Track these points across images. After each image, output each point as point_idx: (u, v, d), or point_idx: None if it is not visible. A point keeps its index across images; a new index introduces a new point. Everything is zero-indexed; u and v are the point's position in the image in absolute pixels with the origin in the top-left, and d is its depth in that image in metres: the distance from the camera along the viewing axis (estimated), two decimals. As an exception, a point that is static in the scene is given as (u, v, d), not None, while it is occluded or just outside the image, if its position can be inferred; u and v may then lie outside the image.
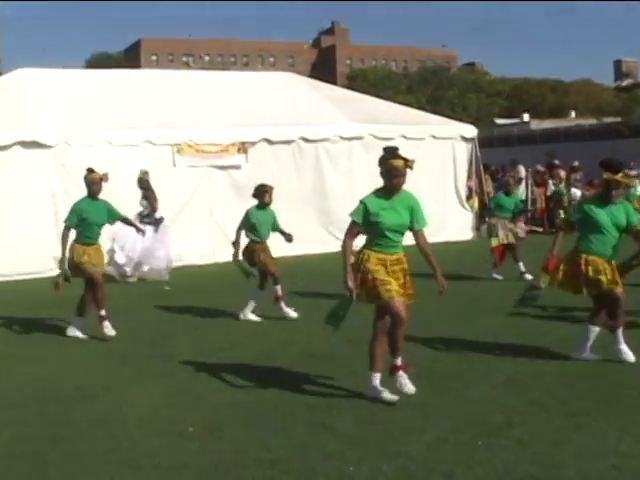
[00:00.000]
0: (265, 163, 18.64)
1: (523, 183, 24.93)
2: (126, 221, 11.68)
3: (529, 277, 13.57)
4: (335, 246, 17.08)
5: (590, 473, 5.48)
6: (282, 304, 11.45)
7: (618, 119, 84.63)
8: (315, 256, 17.37)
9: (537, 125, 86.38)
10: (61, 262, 10.47)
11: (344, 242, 7.27)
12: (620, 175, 8.49)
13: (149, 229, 15.16)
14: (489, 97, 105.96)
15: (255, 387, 7.86)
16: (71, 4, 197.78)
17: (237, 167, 18.52)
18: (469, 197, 22.21)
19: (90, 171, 10.79)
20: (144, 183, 16.02)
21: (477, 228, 21.49)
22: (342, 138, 19.53)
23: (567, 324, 10.25)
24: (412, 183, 17.38)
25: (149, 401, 7.52)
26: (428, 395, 7.35)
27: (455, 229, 20.97)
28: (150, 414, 7.11)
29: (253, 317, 11.37)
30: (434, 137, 20.73)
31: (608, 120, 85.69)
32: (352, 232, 7.31)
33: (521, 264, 14.53)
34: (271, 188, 11.56)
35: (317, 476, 5.56)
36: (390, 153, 7.34)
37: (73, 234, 10.53)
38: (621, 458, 5.72)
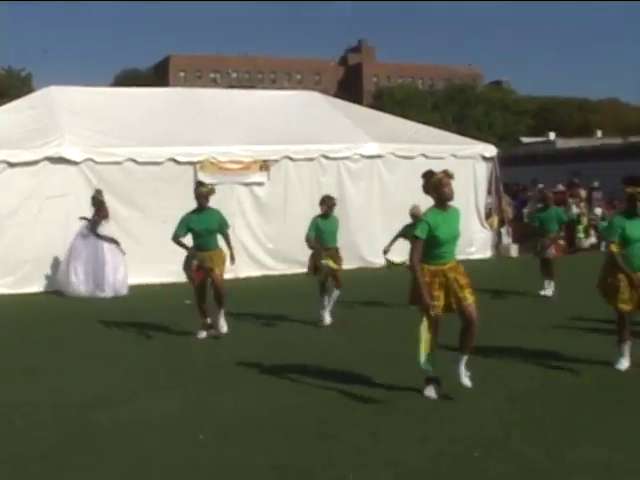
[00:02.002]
0: (287, 180, 19.01)
1: (543, 203, 25.06)
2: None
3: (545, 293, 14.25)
4: (353, 262, 17.48)
5: (578, 484, 5.73)
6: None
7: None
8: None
9: (563, 144, 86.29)
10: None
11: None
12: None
13: (107, 245, 15.81)
14: (515, 115, 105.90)
15: (267, 397, 8.15)
16: (102, 20, 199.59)
17: (259, 184, 18.86)
18: (488, 216, 22.43)
19: (199, 184, 11.95)
20: (96, 202, 16.43)
21: (496, 246, 21.73)
22: (363, 156, 19.83)
23: (576, 339, 10.49)
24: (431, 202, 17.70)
25: (163, 410, 7.83)
26: (431, 407, 7.65)
27: (476, 247, 21.18)
28: (163, 422, 7.41)
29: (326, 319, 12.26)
30: (455, 156, 20.95)
31: (635, 139, 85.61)
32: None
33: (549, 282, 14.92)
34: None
35: (317, 481, 5.85)
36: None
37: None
38: (611, 473, 5.96)
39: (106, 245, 16.20)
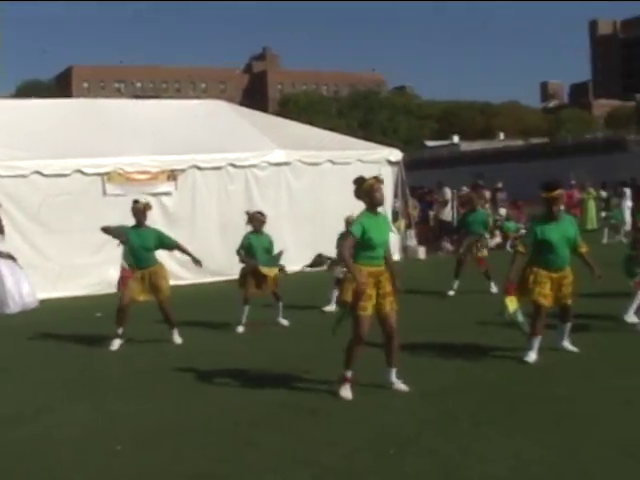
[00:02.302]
0: (195, 190, 18.97)
1: (449, 205, 25.52)
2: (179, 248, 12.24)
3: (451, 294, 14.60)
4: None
5: (491, 475, 5.92)
6: None
7: (545, 140, 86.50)
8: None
9: (467, 147, 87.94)
10: None
11: None
12: (557, 192, 9.36)
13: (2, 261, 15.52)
14: (419, 120, 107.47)
15: (182, 407, 8.16)
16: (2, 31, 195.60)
17: (167, 194, 18.77)
18: (395, 219, 22.74)
19: (135, 202, 11.80)
20: None
21: (404, 249, 22.04)
22: (270, 164, 19.89)
23: (487, 336, 10.75)
24: (341, 207, 17.90)
25: (80, 422, 7.77)
26: (345, 408, 7.78)
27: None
28: (80, 434, 7.36)
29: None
30: (361, 161, 21.17)
31: (535, 141, 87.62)
32: None
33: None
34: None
35: (237, 486, 5.91)
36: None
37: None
38: (521, 462, 6.17)
39: (1, 260, 15.75)
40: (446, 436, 6.82)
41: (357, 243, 8.04)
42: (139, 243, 11.48)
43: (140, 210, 11.63)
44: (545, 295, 9.29)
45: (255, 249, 12.46)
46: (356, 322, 8.03)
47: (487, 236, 16.64)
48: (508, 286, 9.40)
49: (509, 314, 9.43)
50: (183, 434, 7.24)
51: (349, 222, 12.92)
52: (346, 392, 8.10)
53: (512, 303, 9.40)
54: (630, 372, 8.81)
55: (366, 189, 8.12)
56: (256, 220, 12.64)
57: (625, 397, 7.83)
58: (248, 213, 12.91)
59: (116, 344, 11.42)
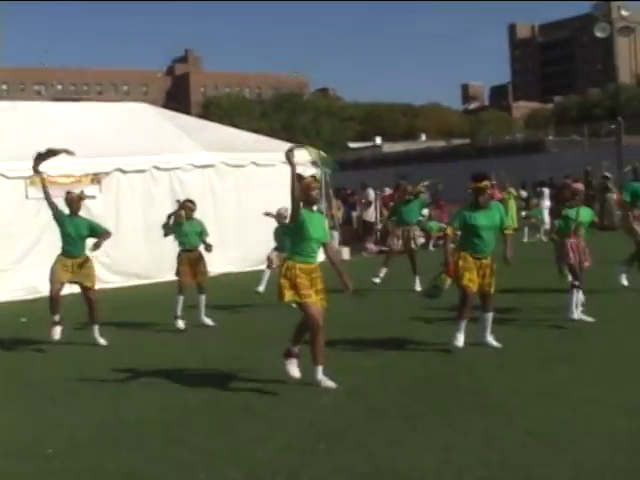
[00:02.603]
0: (119, 193, 18.87)
1: (372, 205, 25.79)
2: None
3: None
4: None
5: (419, 466, 6.09)
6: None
7: (466, 141, 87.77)
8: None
9: (389, 148, 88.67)
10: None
11: None
12: (483, 183, 9.85)
13: None
14: (342, 122, 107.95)
15: (112, 409, 8.18)
16: None
17: (91, 197, 18.62)
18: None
19: (67, 192, 12.12)
20: None
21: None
22: (195, 166, 19.90)
23: (413, 332, 10.96)
24: (265, 207, 17.96)
25: (9, 427, 7.74)
26: (274, 406, 7.90)
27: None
28: (11, 439, 7.34)
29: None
30: (285, 163, 21.21)
31: (457, 142, 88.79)
32: None
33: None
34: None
35: (170, 485, 5.99)
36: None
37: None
38: (448, 451, 6.37)
39: None
40: (374, 430, 6.98)
41: (293, 237, 8.43)
42: (74, 231, 11.47)
43: (74, 199, 11.71)
44: (473, 281, 9.70)
45: (188, 233, 12.70)
46: (306, 309, 8.29)
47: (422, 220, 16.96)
48: (449, 266, 9.75)
49: (439, 287, 9.78)
50: (114, 435, 7.28)
51: (280, 214, 13.33)
52: (293, 369, 8.33)
53: (447, 281, 9.77)
54: (548, 365, 9.11)
55: (304, 186, 8.38)
56: (187, 209, 12.83)
57: (543, 389, 8.11)
58: (179, 201, 13.10)
59: (57, 332, 11.40)
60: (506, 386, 8.28)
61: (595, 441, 6.48)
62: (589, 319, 11.38)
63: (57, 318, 11.50)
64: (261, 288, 14.01)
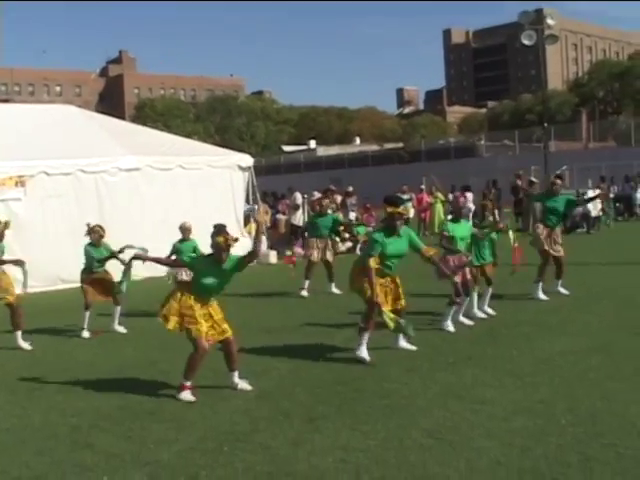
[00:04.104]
0: (45, 196, 18.76)
1: (300, 209, 25.94)
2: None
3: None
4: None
5: (318, 466, 6.25)
6: None
7: (400, 145, 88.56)
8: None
9: (323, 152, 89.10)
10: None
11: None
12: (401, 208, 10.00)
13: None
14: (277, 125, 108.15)
15: (21, 414, 8.18)
16: None
17: (16, 200, 18.50)
18: (246, 223, 23.09)
19: None
20: None
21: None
22: (120, 170, 19.87)
23: (323, 337, 11.13)
24: (193, 211, 17.99)
25: None
26: (181, 409, 8.03)
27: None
28: None
29: None
30: (211, 166, 21.43)
31: (390, 146, 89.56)
32: None
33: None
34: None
35: (72, 487, 6.06)
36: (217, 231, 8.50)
37: None
38: (348, 452, 6.54)
39: None
40: (278, 433, 7.12)
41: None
42: None
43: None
44: (382, 299, 9.78)
45: (93, 260, 12.74)
46: (195, 340, 8.37)
47: (335, 238, 17.23)
48: (377, 303, 9.67)
49: (395, 323, 9.78)
50: (21, 440, 7.30)
51: (184, 228, 13.49)
52: (188, 396, 8.34)
53: (388, 313, 9.77)
54: (456, 367, 9.34)
55: (218, 244, 8.40)
56: (95, 232, 12.79)
57: (448, 390, 8.33)
58: (88, 226, 12.95)
59: None
60: (411, 388, 8.48)
61: (491, 440, 6.70)
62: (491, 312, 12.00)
63: None
64: None
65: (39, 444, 7.15)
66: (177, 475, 6.19)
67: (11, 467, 6.56)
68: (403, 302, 10.04)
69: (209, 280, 8.45)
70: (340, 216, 24.55)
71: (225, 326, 8.57)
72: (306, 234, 17.28)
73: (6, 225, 12.02)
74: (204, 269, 8.47)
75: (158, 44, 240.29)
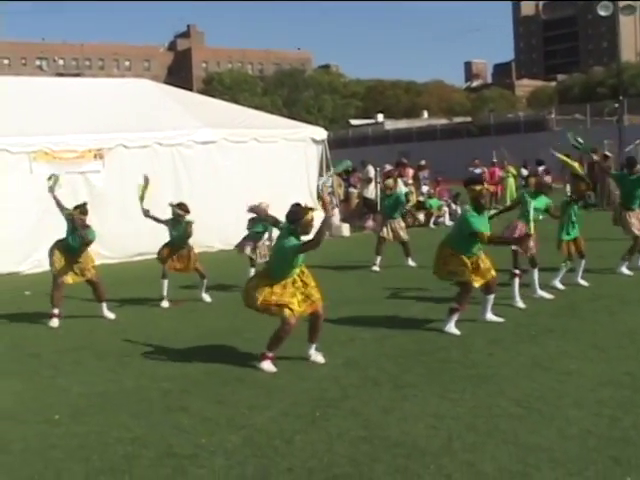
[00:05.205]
0: (122, 168, 19.03)
1: (373, 183, 25.94)
2: None
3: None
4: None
5: (410, 432, 6.36)
6: None
7: (468, 119, 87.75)
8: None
9: (391, 125, 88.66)
10: None
11: None
12: (485, 187, 10.25)
13: None
14: (344, 98, 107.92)
15: (114, 379, 8.44)
16: None
17: (95, 172, 18.83)
18: (319, 197, 23.12)
19: None
20: None
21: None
22: (196, 142, 20.06)
23: (405, 308, 11.22)
24: (267, 184, 18.13)
25: (16, 396, 8.00)
26: (272, 377, 8.21)
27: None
28: (17, 407, 7.60)
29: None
30: (286, 140, 21.52)
31: (458, 120, 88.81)
32: None
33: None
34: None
35: (173, 448, 6.25)
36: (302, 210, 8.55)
37: None
38: (439, 419, 6.65)
39: None
40: (368, 400, 7.25)
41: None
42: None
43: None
44: (474, 277, 9.91)
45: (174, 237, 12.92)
46: (284, 319, 8.40)
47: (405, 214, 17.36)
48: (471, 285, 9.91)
49: None
50: (117, 403, 7.54)
51: (260, 209, 13.41)
52: (269, 366, 8.46)
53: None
54: (540, 339, 9.37)
55: (305, 222, 8.40)
56: (181, 209, 12.84)
57: (533, 361, 8.38)
58: (172, 205, 13.03)
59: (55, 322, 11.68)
60: (497, 359, 8.54)
61: (580, 410, 6.75)
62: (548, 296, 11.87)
63: (57, 311, 11.80)
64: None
65: (134, 407, 7.37)
66: (272, 439, 6.34)
67: (110, 429, 6.78)
68: (494, 273, 10.12)
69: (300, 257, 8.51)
70: (410, 190, 24.65)
71: (317, 295, 8.61)
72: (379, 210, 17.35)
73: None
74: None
75: (226, 18, 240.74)
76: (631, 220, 13.76)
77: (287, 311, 8.35)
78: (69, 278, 11.86)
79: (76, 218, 11.69)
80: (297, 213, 8.43)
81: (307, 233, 8.45)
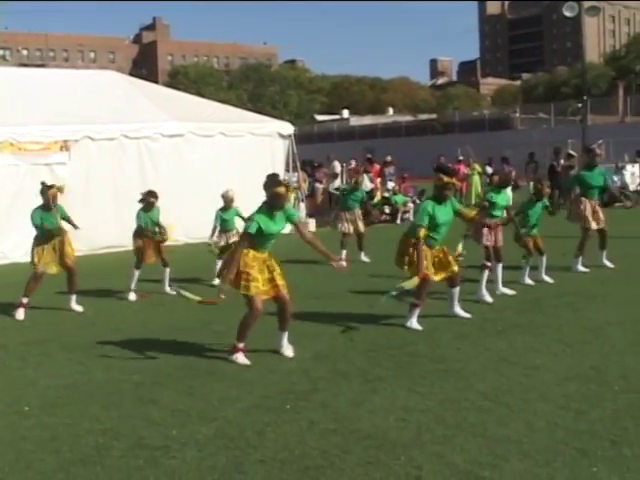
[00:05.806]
0: (88, 161, 18.95)
1: (339, 178, 26.04)
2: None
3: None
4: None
5: (380, 424, 6.43)
6: None
7: (433, 116, 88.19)
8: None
9: (356, 121, 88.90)
10: None
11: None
12: (454, 178, 10.22)
13: None
14: (310, 94, 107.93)
15: (83, 371, 8.43)
16: None
17: (61, 164, 18.72)
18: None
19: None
20: None
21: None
22: (163, 135, 20.01)
23: (373, 302, 11.28)
24: (234, 178, 18.11)
25: (-18, 386, 7.98)
26: (242, 369, 8.24)
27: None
28: (-16, 397, 7.58)
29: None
30: (253, 134, 21.53)
31: (423, 117, 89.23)
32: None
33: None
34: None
35: (144, 439, 6.27)
36: (272, 181, 8.47)
37: None
38: (408, 412, 6.72)
39: None
40: (338, 392, 7.31)
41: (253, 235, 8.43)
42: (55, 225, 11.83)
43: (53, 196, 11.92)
44: (431, 270, 9.92)
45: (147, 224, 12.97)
46: (251, 299, 8.41)
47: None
48: (423, 274, 9.75)
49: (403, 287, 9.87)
50: (86, 395, 7.54)
51: (228, 198, 13.56)
52: (243, 359, 8.49)
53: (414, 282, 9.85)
54: (506, 334, 9.49)
55: (274, 193, 8.38)
56: (151, 196, 12.99)
57: (500, 356, 8.50)
58: (142, 194, 13.13)
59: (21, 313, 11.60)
60: (464, 353, 8.64)
61: (547, 404, 6.85)
62: (510, 292, 12.02)
63: (25, 300, 11.74)
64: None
65: (104, 399, 7.37)
66: (244, 430, 6.38)
67: (81, 420, 6.78)
68: (455, 268, 10.16)
69: (274, 228, 8.48)
70: (375, 187, 24.78)
71: (282, 282, 8.60)
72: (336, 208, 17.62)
73: (59, 189, 12.19)
74: (268, 221, 8.44)
75: (191, 11, 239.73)
76: (585, 213, 13.91)
77: (253, 288, 8.34)
78: (53, 268, 11.83)
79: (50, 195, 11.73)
80: (269, 182, 8.47)
81: (277, 206, 8.46)
